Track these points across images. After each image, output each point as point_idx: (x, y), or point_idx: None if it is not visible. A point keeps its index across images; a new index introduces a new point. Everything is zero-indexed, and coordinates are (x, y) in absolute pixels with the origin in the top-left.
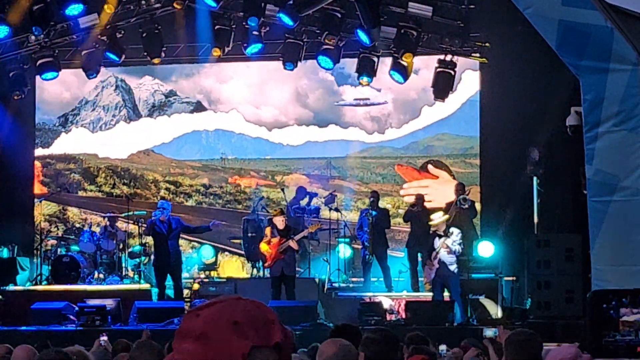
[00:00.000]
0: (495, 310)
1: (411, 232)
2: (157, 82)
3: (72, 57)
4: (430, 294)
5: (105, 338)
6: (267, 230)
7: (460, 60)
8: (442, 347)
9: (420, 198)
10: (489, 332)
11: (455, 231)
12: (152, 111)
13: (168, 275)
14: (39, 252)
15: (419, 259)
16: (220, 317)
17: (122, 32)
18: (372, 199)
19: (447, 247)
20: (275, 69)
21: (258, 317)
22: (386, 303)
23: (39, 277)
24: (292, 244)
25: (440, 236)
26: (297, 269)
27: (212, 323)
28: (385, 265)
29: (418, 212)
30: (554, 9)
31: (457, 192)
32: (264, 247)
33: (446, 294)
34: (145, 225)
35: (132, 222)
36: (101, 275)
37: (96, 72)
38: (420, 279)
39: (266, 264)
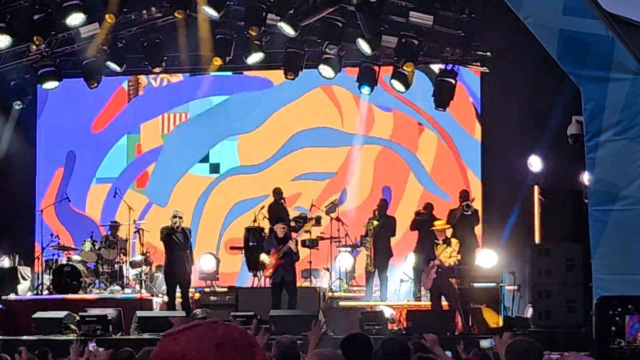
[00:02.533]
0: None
1: (419, 240)
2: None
3: (74, 66)
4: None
5: (93, 344)
6: (268, 241)
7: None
8: (447, 354)
9: (428, 207)
10: (485, 343)
11: (454, 241)
12: None
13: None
14: (40, 261)
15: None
16: (202, 340)
17: (123, 41)
18: (378, 207)
19: (448, 256)
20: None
21: (239, 340)
22: (387, 312)
23: (40, 287)
24: (291, 244)
25: (438, 245)
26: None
27: (194, 346)
28: (384, 275)
29: (425, 221)
30: (555, 19)
31: (461, 199)
32: (263, 256)
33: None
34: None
35: (133, 231)
36: (102, 285)
37: (97, 82)
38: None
39: (266, 273)
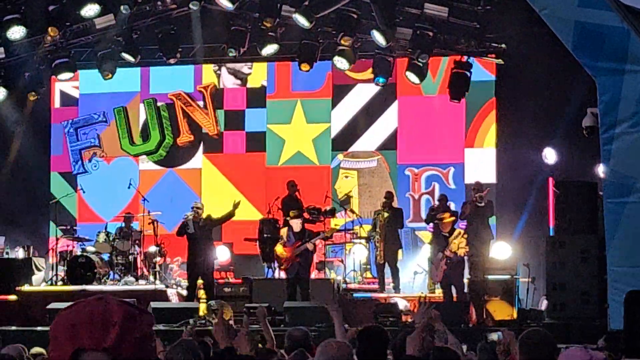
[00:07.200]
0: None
1: (434, 233)
2: None
3: (88, 57)
4: None
5: None
6: (283, 232)
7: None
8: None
9: (442, 199)
10: (493, 336)
11: (460, 233)
12: None
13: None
14: (54, 252)
15: None
16: (65, 319)
17: (138, 32)
18: (385, 199)
19: (457, 248)
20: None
21: (98, 319)
22: (401, 304)
23: (54, 278)
24: (309, 245)
25: (446, 237)
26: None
27: (58, 324)
28: (395, 267)
29: (440, 213)
30: (570, 10)
31: (474, 190)
32: (279, 249)
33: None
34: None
35: (148, 222)
36: (117, 276)
37: (112, 73)
38: None
39: (282, 267)
